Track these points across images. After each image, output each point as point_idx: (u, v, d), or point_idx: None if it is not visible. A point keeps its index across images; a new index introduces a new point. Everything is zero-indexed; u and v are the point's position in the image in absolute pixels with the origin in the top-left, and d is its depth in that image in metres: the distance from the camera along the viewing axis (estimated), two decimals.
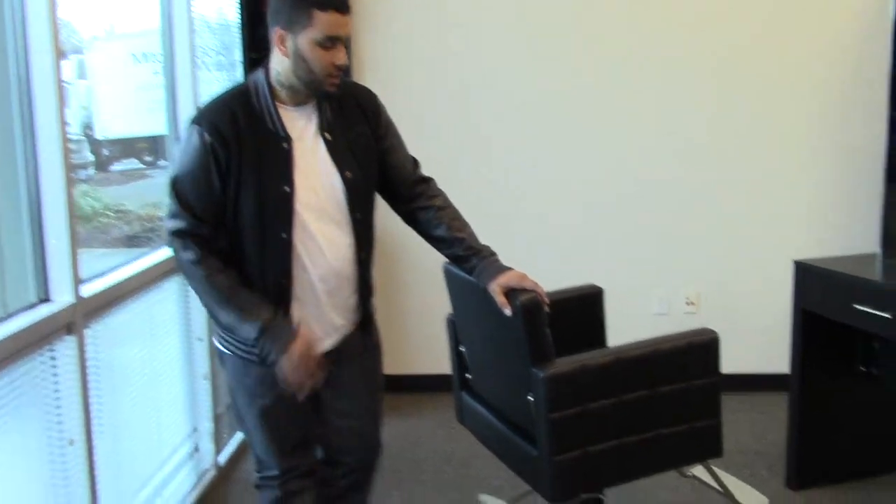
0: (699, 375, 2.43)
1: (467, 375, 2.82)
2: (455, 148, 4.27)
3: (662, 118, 4.25)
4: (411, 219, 2.42)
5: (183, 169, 2.15)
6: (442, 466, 3.62)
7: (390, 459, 3.67)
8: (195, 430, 3.46)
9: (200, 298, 2.20)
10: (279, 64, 2.17)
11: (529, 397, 2.34)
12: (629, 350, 2.37)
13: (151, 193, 3.60)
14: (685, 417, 2.43)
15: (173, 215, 2.17)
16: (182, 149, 2.17)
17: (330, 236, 2.21)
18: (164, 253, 3.20)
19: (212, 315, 2.22)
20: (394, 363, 4.44)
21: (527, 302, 2.26)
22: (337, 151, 2.22)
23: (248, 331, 2.13)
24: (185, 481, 3.34)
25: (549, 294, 2.84)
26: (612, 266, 4.29)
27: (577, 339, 2.86)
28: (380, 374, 2.53)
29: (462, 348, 2.79)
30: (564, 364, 2.30)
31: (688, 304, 4.31)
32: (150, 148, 3.70)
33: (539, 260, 4.29)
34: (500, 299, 2.28)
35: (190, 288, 2.26)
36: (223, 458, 3.63)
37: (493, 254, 2.35)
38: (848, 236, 4.19)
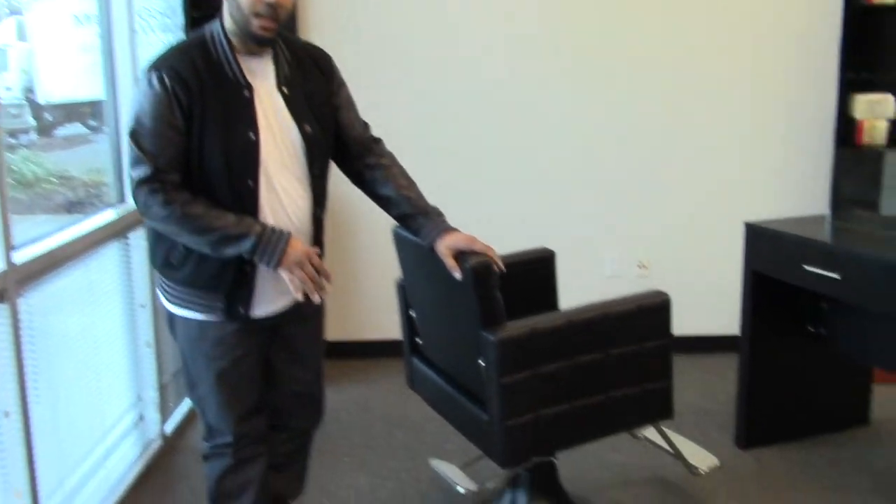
0: (650, 338, 2.41)
1: (417, 340, 2.78)
2: (405, 111, 4.20)
3: (613, 84, 4.21)
4: (359, 178, 2.38)
5: (143, 116, 2.06)
6: (393, 432, 3.59)
7: (341, 426, 3.64)
8: (139, 398, 3.38)
9: (183, 237, 2.10)
10: (226, 9, 2.12)
11: (480, 361, 2.30)
12: (580, 313, 2.34)
13: (96, 159, 3.48)
14: (637, 380, 2.42)
15: (136, 163, 2.07)
16: (140, 95, 2.08)
17: (290, 190, 2.18)
18: (104, 217, 3.09)
19: (201, 248, 2.10)
20: (344, 329, 4.40)
21: (477, 265, 2.21)
22: (295, 106, 2.18)
23: (244, 245, 2.06)
24: (129, 451, 3.27)
25: (501, 258, 2.82)
26: (565, 230, 4.27)
27: (529, 302, 2.82)
28: (324, 337, 2.53)
29: (412, 313, 2.74)
30: (515, 327, 2.27)
31: (640, 267, 4.31)
32: (95, 112, 3.57)
33: (491, 223, 4.25)
34: (450, 262, 2.26)
35: (153, 241, 2.20)
36: (170, 427, 3.56)
37: (440, 214, 2.34)
38: (799, 199, 4.21)
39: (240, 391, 2.30)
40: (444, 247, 2.26)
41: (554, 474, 2.70)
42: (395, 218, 2.38)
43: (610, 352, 2.36)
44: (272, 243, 2.08)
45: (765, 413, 3.32)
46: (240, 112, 2.10)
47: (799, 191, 4.21)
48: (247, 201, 2.11)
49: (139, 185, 2.07)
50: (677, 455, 2.81)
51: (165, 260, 2.20)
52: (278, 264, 2.09)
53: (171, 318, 2.29)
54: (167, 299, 2.27)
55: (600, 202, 4.26)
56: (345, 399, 3.95)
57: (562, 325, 2.30)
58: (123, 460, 3.21)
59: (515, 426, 2.28)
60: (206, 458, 2.41)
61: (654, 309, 2.41)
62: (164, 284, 2.26)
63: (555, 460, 2.68)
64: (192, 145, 2.07)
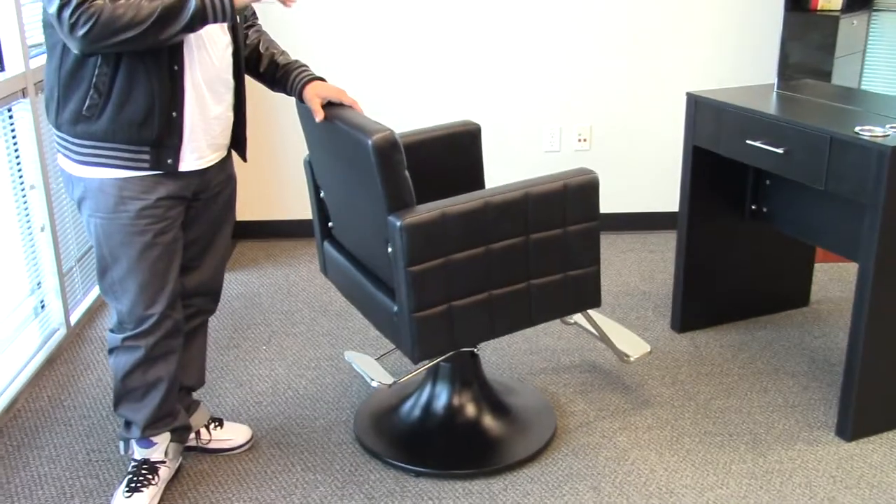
0: (576, 220, 2.20)
1: (330, 224, 2.55)
2: None
3: None
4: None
5: None
6: (317, 318, 3.40)
7: (262, 311, 3.44)
8: (39, 285, 3.14)
9: (121, 38, 1.85)
10: None
11: (389, 249, 2.09)
12: (498, 193, 2.12)
13: None
14: (561, 266, 2.23)
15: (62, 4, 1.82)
16: None
17: (213, 35, 2.04)
18: None
19: (146, 41, 1.87)
20: (268, 207, 4.15)
21: (379, 140, 1.96)
22: None
23: (189, 7, 1.87)
24: (31, 341, 3.05)
25: (423, 131, 2.58)
26: (501, 101, 4.00)
27: (452, 182, 2.60)
28: (233, 219, 2.39)
29: (322, 194, 2.50)
30: (425, 211, 2.04)
31: (580, 140, 4.08)
32: None
33: (422, 96, 3.97)
34: (315, 106, 2.19)
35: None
36: (76, 317, 3.33)
37: (306, 66, 2.29)
38: (748, 69, 3.98)
39: (162, 271, 2.12)
40: (312, 93, 2.20)
41: (476, 365, 2.54)
42: (263, 78, 2.30)
43: (531, 236, 2.15)
44: None
45: (702, 295, 3.18)
46: None
47: (749, 60, 3.97)
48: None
49: (61, 8, 1.83)
50: (606, 342, 2.67)
51: (76, 112, 1.98)
52: (233, 7, 1.93)
53: (80, 186, 2.06)
54: (75, 160, 2.04)
55: (538, 71, 3.98)
56: (267, 283, 3.74)
57: (477, 207, 2.08)
58: (25, 349, 3.00)
59: (426, 318, 2.09)
60: (112, 351, 2.22)
61: (582, 188, 2.19)
62: (71, 144, 2.03)
63: (476, 351, 2.51)
64: None
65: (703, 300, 3.19)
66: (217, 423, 2.56)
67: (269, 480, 2.43)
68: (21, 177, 3.00)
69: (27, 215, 3.05)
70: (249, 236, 4.21)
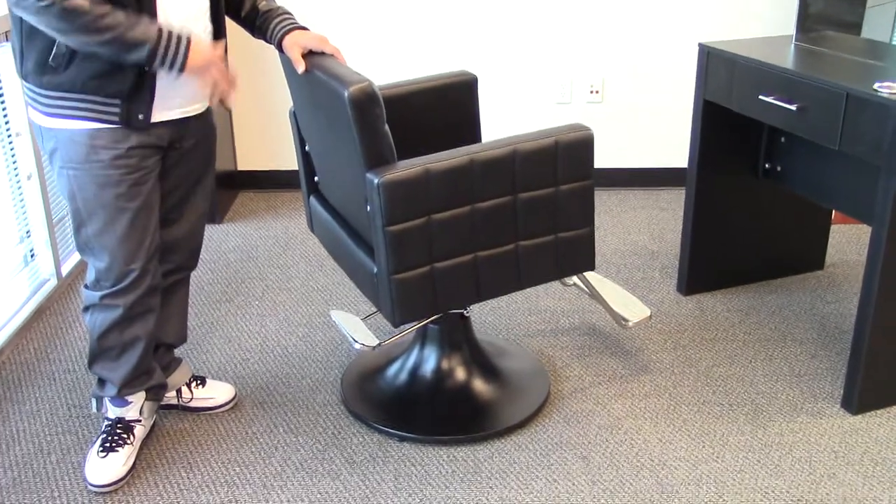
0: (569, 179, 2.08)
1: (315, 178, 2.45)
2: None
3: None
4: None
5: None
6: (313, 273, 3.31)
7: (257, 265, 3.36)
8: (28, 234, 3.07)
9: (68, 37, 1.80)
10: None
11: (368, 207, 1.98)
12: (484, 150, 1.99)
13: None
14: (551, 228, 2.11)
15: None
16: None
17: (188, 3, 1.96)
18: None
19: (90, 49, 1.83)
20: (270, 157, 4.05)
21: (356, 93, 1.84)
22: None
23: (139, 53, 1.82)
24: (21, 290, 3.00)
25: (415, 82, 2.45)
26: (510, 51, 3.85)
27: (446, 136, 2.48)
28: (214, 169, 2.30)
29: (308, 147, 2.39)
30: (405, 168, 1.93)
31: (592, 92, 3.92)
32: None
33: (424, 44, 3.82)
34: (295, 56, 2.07)
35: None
36: (68, 268, 3.27)
37: (288, 13, 2.17)
38: (768, 18, 3.78)
39: (140, 222, 2.04)
40: (292, 42, 2.09)
41: (466, 327, 2.45)
42: (244, 23, 2.19)
43: (519, 196, 2.04)
44: (171, 49, 1.84)
45: (711, 257, 3.05)
46: None
47: (770, 8, 3.77)
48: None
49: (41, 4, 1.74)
50: (604, 305, 2.56)
51: (41, 63, 1.89)
52: (182, 70, 1.87)
53: (51, 138, 1.97)
54: (44, 112, 1.94)
55: (548, 20, 3.81)
56: (264, 235, 3.65)
57: (461, 164, 1.96)
58: (13, 300, 2.94)
59: (406, 280, 1.99)
60: (88, 308, 2.15)
61: (574, 145, 2.06)
62: (38, 95, 1.93)
63: (466, 313, 2.41)
64: None
65: (711, 262, 3.06)
66: (199, 382, 2.49)
67: (250, 441, 2.36)
68: (7, 123, 2.92)
69: (14, 163, 2.97)
70: (250, 186, 4.11)
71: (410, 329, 2.44)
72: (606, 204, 3.90)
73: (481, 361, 2.49)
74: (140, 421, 2.27)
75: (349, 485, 2.20)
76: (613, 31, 3.81)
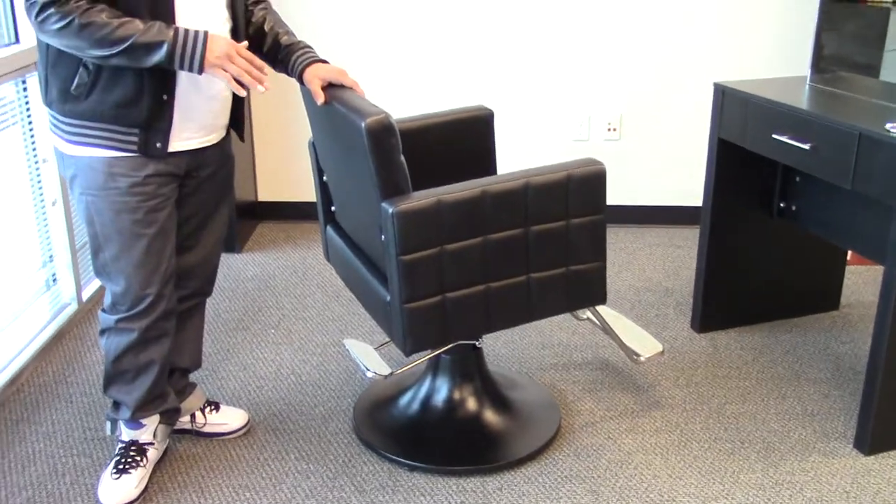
0: (580, 213, 2.11)
1: (332, 208, 2.49)
2: None
3: None
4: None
5: None
6: (329, 303, 3.35)
7: (274, 294, 3.40)
8: (51, 258, 3.13)
9: (90, 52, 1.85)
10: None
11: (382, 236, 2.02)
12: (497, 182, 2.03)
13: None
14: (563, 260, 2.13)
15: None
16: None
17: (210, 10, 2.01)
18: None
19: (112, 61, 1.87)
20: (290, 188, 4.10)
21: (373, 124, 1.89)
22: None
23: (158, 54, 1.85)
24: (41, 314, 3.05)
25: (432, 116, 2.50)
26: (528, 88, 3.90)
27: (461, 169, 2.52)
28: (232, 197, 2.36)
29: (326, 178, 2.44)
30: (419, 198, 1.96)
31: (609, 129, 3.96)
32: None
33: (443, 80, 3.88)
34: (315, 88, 2.11)
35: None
36: (89, 293, 3.32)
37: (309, 47, 2.21)
38: (785, 59, 3.82)
39: (156, 248, 2.08)
40: (312, 75, 2.13)
41: (478, 358, 2.46)
42: (266, 57, 2.21)
43: (532, 228, 2.06)
44: (188, 46, 1.87)
45: (725, 295, 3.05)
46: None
47: (788, 50, 3.80)
48: (160, 5, 1.90)
49: (39, 9, 1.81)
50: (615, 340, 2.57)
51: (64, 91, 1.95)
52: (202, 66, 1.89)
53: (71, 164, 2.03)
54: (65, 139, 2.00)
55: (567, 57, 3.87)
56: (282, 265, 3.70)
57: (474, 196, 2.00)
58: (34, 323, 2.99)
59: (418, 309, 2.02)
60: (104, 332, 2.19)
61: (587, 180, 2.09)
62: (60, 122, 1.99)
63: (478, 344, 2.43)
64: None
65: (725, 300, 3.06)
66: (213, 407, 2.52)
67: (261, 467, 2.38)
68: (35, 150, 2.99)
69: (40, 189, 3.03)
70: (270, 217, 4.17)
71: (423, 359, 2.46)
72: (622, 241, 3.92)
73: (493, 393, 2.50)
74: (153, 444, 2.30)
75: None
76: (632, 69, 3.86)
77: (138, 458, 2.26)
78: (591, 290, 2.20)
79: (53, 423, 2.57)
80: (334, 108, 2.07)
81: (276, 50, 2.21)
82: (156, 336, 2.17)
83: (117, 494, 2.19)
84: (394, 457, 2.37)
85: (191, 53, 1.87)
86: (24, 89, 2.91)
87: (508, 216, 2.03)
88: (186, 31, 1.88)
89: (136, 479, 2.23)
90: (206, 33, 1.90)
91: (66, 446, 2.47)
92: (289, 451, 2.45)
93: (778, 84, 2.78)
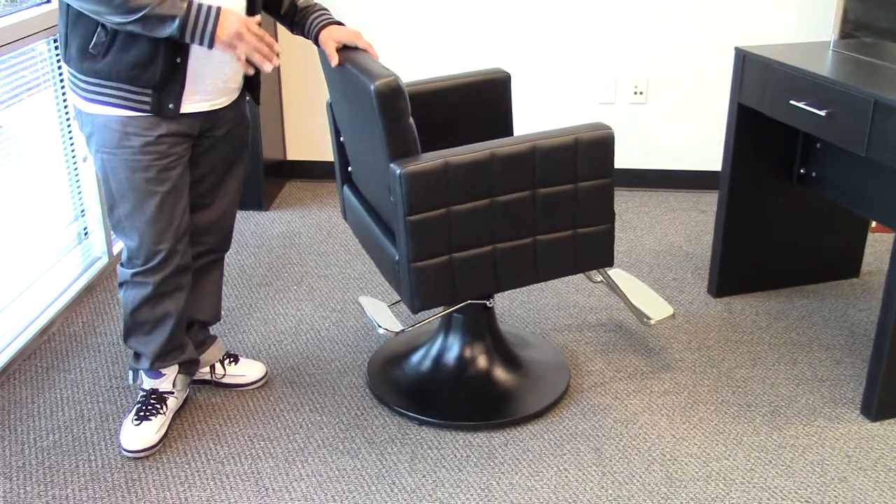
0: (588, 176, 2.13)
1: (349, 168, 2.54)
2: None
3: None
4: None
5: None
6: (352, 261, 3.41)
7: (298, 251, 3.48)
8: (83, 213, 3.23)
9: (104, 15, 1.90)
10: None
11: (391, 197, 2.06)
12: (505, 145, 2.06)
13: None
14: (570, 223, 2.17)
15: None
16: None
17: None
18: (31, 12, 2.82)
19: (125, 27, 1.91)
20: (318, 147, 4.16)
21: (382, 86, 1.93)
22: None
23: (169, 27, 1.90)
24: (73, 267, 3.15)
25: (447, 78, 2.53)
26: (554, 49, 3.90)
27: (477, 132, 2.55)
28: (246, 155, 2.40)
29: (342, 138, 2.49)
30: (427, 160, 2.01)
31: (636, 93, 3.95)
32: None
33: (466, 41, 3.89)
34: (329, 50, 2.16)
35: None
36: (119, 247, 3.42)
37: (325, 9, 2.26)
38: (820, 24, 3.76)
39: (169, 206, 2.15)
40: (327, 37, 2.17)
41: (489, 318, 2.51)
42: (283, 20, 2.27)
43: (539, 191, 2.10)
44: (200, 21, 1.91)
45: (743, 260, 3.06)
46: None
47: (821, 14, 3.75)
48: None
49: None
50: (626, 302, 2.60)
51: (83, 50, 2.01)
52: (212, 42, 1.93)
53: (88, 122, 2.10)
54: (83, 97, 2.07)
55: (593, 17, 3.85)
56: (308, 223, 3.77)
57: (481, 158, 2.03)
58: (66, 275, 3.10)
59: (425, 268, 2.07)
60: (122, 285, 2.27)
61: (594, 144, 2.11)
62: (78, 80, 2.06)
63: (489, 304, 2.48)
64: None
65: (743, 265, 3.07)
66: (232, 359, 2.60)
67: (276, 418, 2.46)
68: (66, 106, 3.07)
69: (72, 145, 3.12)
70: (297, 176, 4.23)
71: (436, 316, 2.52)
72: (647, 205, 3.92)
73: (504, 352, 2.56)
74: (173, 393, 2.39)
75: (367, 463, 2.28)
76: (660, 31, 3.83)
77: (158, 406, 2.35)
78: (598, 253, 2.23)
79: (81, 371, 2.68)
80: (347, 69, 2.11)
81: (292, 12, 2.26)
82: (170, 290, 2.25)
83: (138, 440, 2.29)
84: (404, 411, 2.44)
85: (202, 29, 1.91)
86: (56, 47, 2.99)
87: (516, 179, 2.07)
88: (200, 5, 1.92)
89: (156, 426, 2.33)
90: (218, 9, 1.93)
91: (93, 393, 2.57)
92: (304, 403, 2.53)
93: (800, 49, 2.76)
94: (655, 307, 2.62)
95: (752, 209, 3.00)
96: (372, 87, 1.93)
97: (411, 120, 1.99)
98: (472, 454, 2.31)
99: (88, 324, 2.95)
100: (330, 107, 2.48)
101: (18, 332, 2.78)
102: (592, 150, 2.11)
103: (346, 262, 3.40)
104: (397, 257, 2.13)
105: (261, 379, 2.61)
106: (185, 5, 1.91)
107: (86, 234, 3.27)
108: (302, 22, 2.24)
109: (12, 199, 2.84)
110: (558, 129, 2.13)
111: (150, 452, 2.30)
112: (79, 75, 2.04)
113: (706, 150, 4.00)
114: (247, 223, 3.75)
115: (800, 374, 2.67)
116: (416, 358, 2.58)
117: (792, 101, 2.56)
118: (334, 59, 2.17)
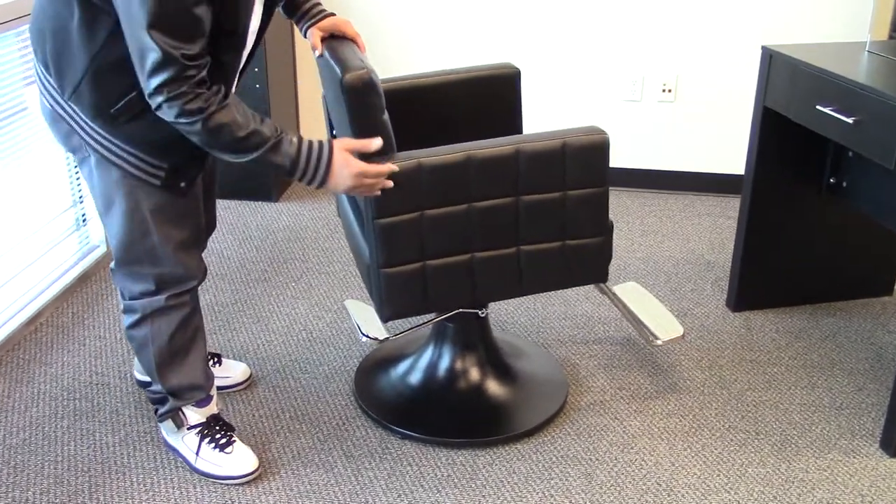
0: (578, 185, 1.97)
1: None
2: None
3: None
4: None
5: (163, 8, 1.58)
6: (354, 260, 3.28)
7: (301, 246, 3.37)
8: (81, 199, 3.15)
9: (215, 153, 1.79)
10: None
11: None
12: (484, 148, 1.90)
13: None
14: (558, 234, 2.00)
15: (158, 67, 1.61)
16: None
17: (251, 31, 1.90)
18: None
19: (252, 160, 1.79)
20: None
21: (352, 80, 1.79)
22: None
23: (280, 169, 1.80)
24: (68, 254, 3.09)
25: (452, 72, 2.38)
26: (579, 44, 3.72)
27: (482, 129, 2.40)
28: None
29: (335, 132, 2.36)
30: (400, 160, 1.86)
31: (664, 90, 3.75)
32: None
33: (495, 33, 3.73)
34: (314, 40, 2.05)
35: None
36: None
37: (319, 3, 2.14)
38: (856, 23, 3.52)
39: (194, 216, 2.02)
40: (315, 28, 2.07)
41: (482, 328, 2.37)
42: (284, 10, 2.16)
43: (522, 198, 1.94)
44: (311, 168, 1.81)
45: (766, 272, 2.86)
46: None
47: (864, 13, 3.51)
48: (230, 75, 1.83)
49: (157, 89, 1.64)
50: (632, 320, 2.43)
51: (99, 106, 1.78)
52: (322, 184, 1.84)
53: (91, 152, 1.87)
54: (87, 139, 1.84)
55: (621, 11, 3.66)
56: (315, 216, 3.65)
57: (457, 160, 1.88)
58: (60, 263, 3.03)
59: (395, 275, 1.93)
60: (145, 319, 2.02)
61: (585, 150, 1.94)
62: (84, 122, 1.82)
63: (481, 314, 2.33)
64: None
65: (765, 277, 2.87)
66: (215, 360, 2.49)
67: (253, 425, 2.35)
68: None
69: None
70: None
71: (426, 323, 2.38)
72: (671, 208, 3.73)
73: (498, 364, 2.41)
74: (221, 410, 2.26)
75: (341, 478, 2.16)
76: (691, 27, 3.63)
77: (224, 427, 2.19)
78: (590, 267, 2.07)
79: (63, 366, 2.60)
80: (326, 60, 1.98)
81: (291, 7, 2.15)
82: (197, 299, 2.11)
83: (246, 463, 2.14)
84: (387, 423, 2.31)
85: (311, 175, 1.82)
86: None
87: (496, 184, 1.91)
88: (310, 153, 1.80)
89: (242, 444, 2.18)
90: (329, 155, 1.81)
91: (70, 389, 2.49)
92: (285, 409, 2.42)
93: (832, 49, 2.56)
94: (665, 326, 2.43)
95: (777, 218, 2.80)
96: (341, 80, 1.79)
97: (386, 116, 1.85)
98: (453, 473, 2.17)
99: (78, 315, 2.87)
100: (325, 99, 2.35)
101: (5, 321, 2.71)
102: (583, 155, 1.94)
103: (348, 260, 3.28)
104: (370, 261, 1.99)
105: (244, 382, 2.50)
106: (294, 150, 1.78)
107: (84, 220, 3.19)
108: (299, 16, 2.13)
109: (8, 184, 2.77)
110: (549, 131, 1.96)
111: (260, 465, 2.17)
112: (87, 120, 1.82)
113: (737, 153, 3.79)
114: (254, 214, 3.65)
115: (817, 400, 2.47)
116: (404, 367, 2.44)
117: (818, 106, 2.36)
118: (317, 49, 2.05)
